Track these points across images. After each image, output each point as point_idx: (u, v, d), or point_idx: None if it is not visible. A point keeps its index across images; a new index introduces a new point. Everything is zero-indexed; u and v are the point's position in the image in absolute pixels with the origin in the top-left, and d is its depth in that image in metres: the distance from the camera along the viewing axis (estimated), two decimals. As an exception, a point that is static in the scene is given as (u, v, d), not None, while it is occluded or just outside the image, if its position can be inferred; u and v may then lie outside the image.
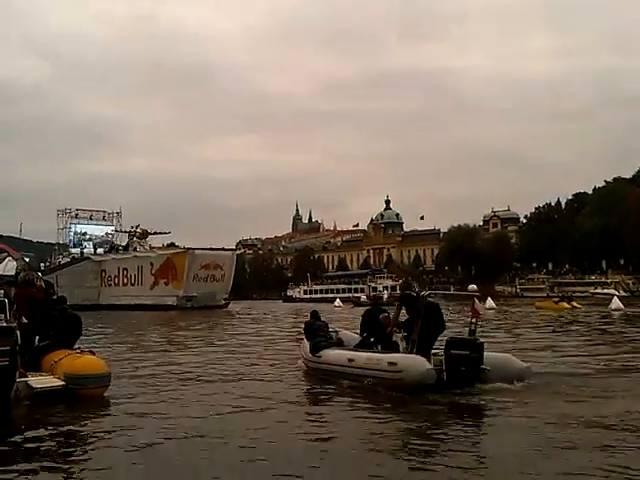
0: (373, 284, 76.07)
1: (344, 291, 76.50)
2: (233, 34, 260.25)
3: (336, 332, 10.09)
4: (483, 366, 7.95)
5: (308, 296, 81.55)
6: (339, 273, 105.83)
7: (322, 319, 10.32)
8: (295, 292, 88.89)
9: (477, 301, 8.83)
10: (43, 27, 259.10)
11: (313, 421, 6.62)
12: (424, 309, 8.42)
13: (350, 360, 8.62)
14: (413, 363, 7.92)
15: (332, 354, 9.15)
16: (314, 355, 9.47)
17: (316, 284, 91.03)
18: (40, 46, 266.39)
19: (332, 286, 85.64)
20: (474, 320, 8.40)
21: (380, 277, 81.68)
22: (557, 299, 36.06)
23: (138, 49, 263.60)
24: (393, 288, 71.18)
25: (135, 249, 60.79)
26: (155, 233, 63.55)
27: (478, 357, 7.97)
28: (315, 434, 5.92)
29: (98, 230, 74.04)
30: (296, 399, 7.91)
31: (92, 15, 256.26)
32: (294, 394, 8.23)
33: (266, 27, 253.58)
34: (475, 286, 12.08)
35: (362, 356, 8.59)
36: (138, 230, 62.08)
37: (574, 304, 33.69)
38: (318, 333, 9.82)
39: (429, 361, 8.03)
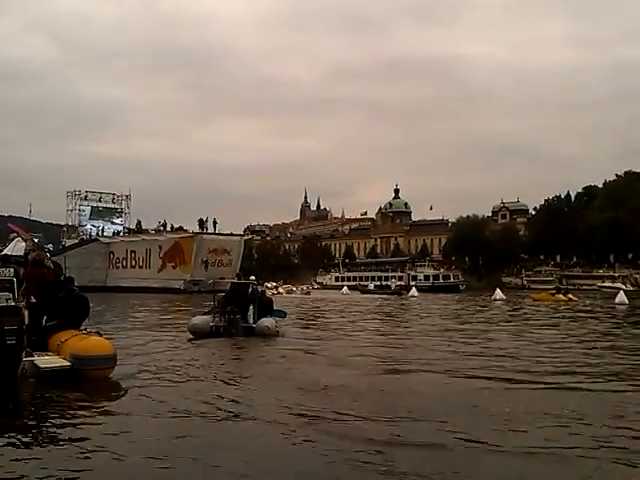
0: (412, 272, 74.34)
1: (379, 279, 71.97)
2: (242, 16, 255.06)
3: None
4: (253, 324, 13.28)
5: (339, 283, 75.47)
6: (374, 260, 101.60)
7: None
8: (326, 279, 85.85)
9: (255, 287, 14.62)
10: (50, 6, 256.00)
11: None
12: (230, 290, 14.42)
13: None
14: (193, 322, 13.63)
15: None
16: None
17: (348, 271, 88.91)
18: (46, 26, 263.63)
19: (365, 273, 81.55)
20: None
21: (420, 266, 78.82)
22: (554, 291, 36.78)
23: (145, 30, 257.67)
24: (435, 277, 71.30)
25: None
26: None
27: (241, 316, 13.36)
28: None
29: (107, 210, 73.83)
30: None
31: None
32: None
33: (275, 10, 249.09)
34: (254, 277, 17.39)
35: None
36: None
37: (570, 296, 34.72)
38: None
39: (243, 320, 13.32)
